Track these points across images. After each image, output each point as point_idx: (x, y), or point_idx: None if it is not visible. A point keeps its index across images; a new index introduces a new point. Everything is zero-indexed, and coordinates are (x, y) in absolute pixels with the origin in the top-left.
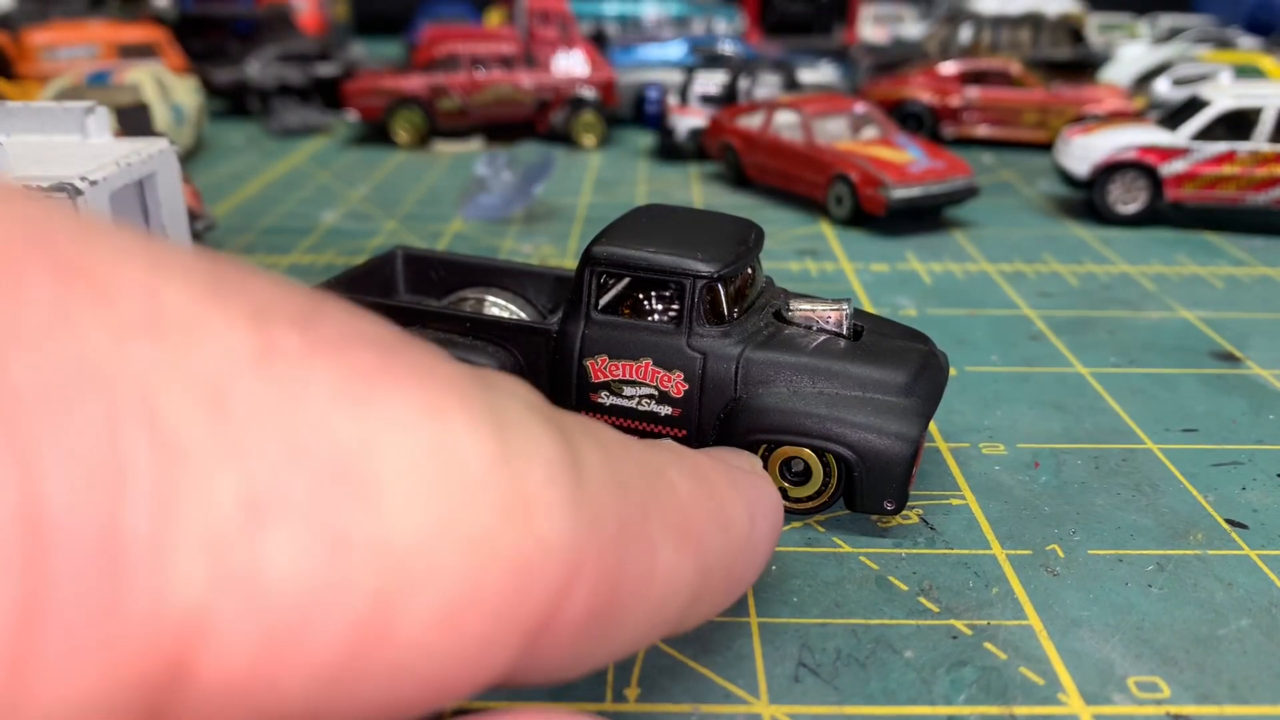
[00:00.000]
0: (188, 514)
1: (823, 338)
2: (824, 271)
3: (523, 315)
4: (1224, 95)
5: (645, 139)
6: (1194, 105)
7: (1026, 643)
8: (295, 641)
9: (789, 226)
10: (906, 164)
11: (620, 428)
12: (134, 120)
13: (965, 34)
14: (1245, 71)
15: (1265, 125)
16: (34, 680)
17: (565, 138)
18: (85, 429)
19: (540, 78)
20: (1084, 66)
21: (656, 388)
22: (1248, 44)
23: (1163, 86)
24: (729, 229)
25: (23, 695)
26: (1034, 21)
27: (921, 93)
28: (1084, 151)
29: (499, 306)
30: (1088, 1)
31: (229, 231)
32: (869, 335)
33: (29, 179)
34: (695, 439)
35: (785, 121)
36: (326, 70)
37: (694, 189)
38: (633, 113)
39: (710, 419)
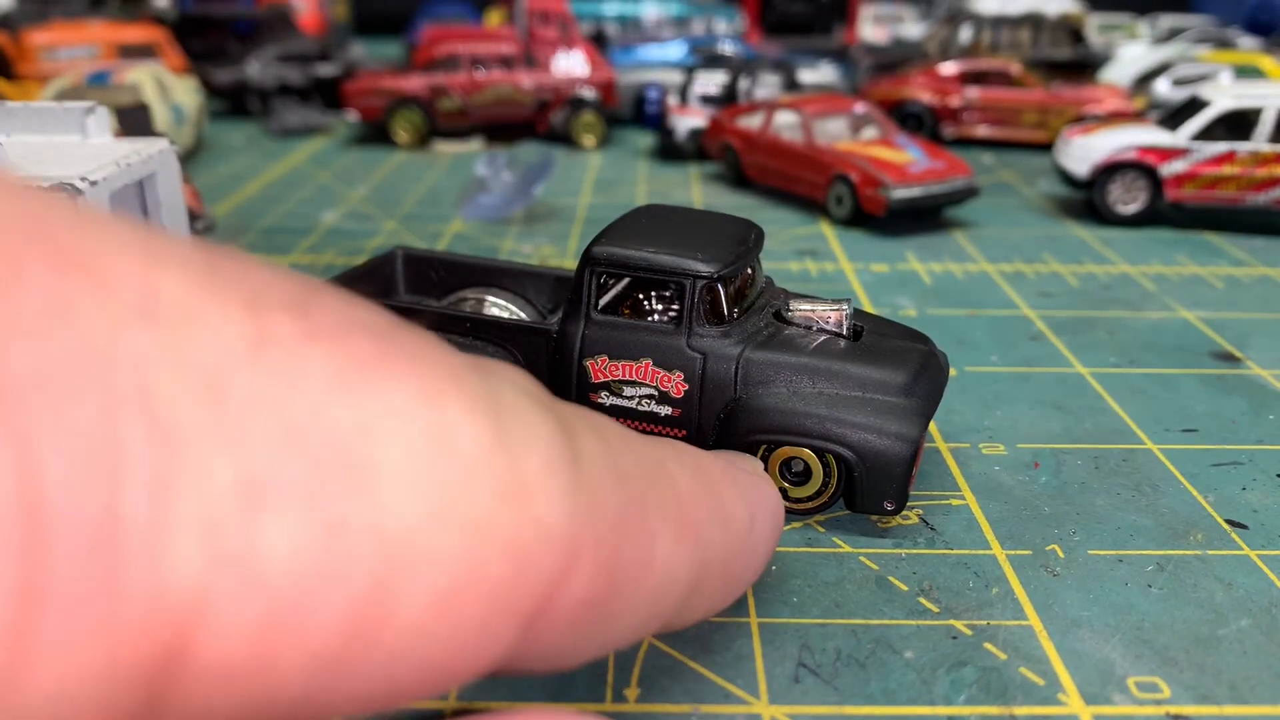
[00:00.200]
0: (185, 498)
1: (822, 338)
2: (824, 272)
3: (523, 315)
4: (1224, 95)
5: (645, 139)
6: (1194, 105)
7: (1026, 643)
8: (293, 625)
9: (789, 226)
10: (906, 164)
11: None
12: (134, 120)
13: (965, 34)
14: (1245, 72)
15: (1265, 125)
16: (34, 662)
17: (565, 138)
18: (83, 414)
19: (540, 78)
20: (1084, 67)
21: (656, 388)
22: (1248, 44)
23: (1163, 87)
24: (729, 229)
25: (23, 677)
26: (1034, 22)
27: (921, 93)
28: (1084, 152)
29: (499, 307)
30: (1088, 2)
31: (229, 232)
32: (869, 335)
33: (30, 179)
34: (695, 439)
35: (785, 122)
36: (326, 70)
37: (694, 189)
38: (633, 113)
39: (710, 419)
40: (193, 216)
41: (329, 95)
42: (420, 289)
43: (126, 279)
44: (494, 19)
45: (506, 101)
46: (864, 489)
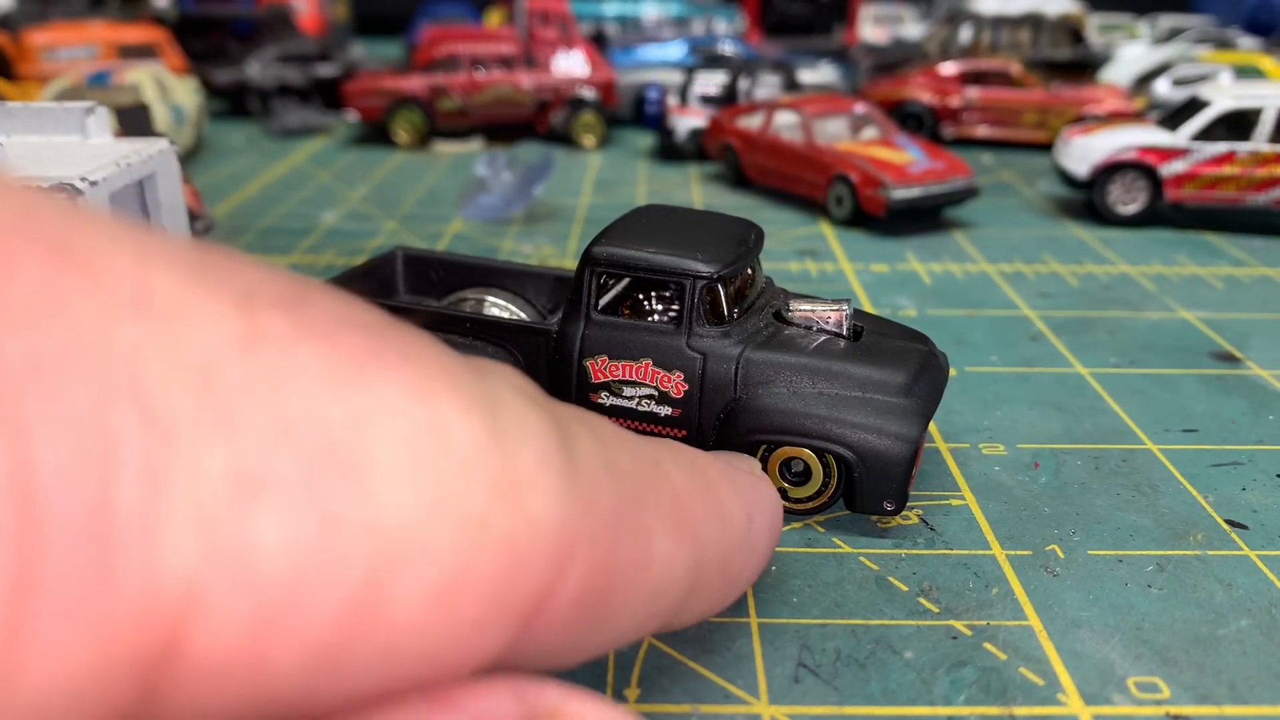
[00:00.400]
0: (178, 490)
1: (822, 338)
2: (824, 272)
3: (523, 316)
4: (1224, 96)
5: (645, 139)
6: (1194, 106)
7: (1026, 643)
8: (286, 620)
9: (789, 227)
10: (906, 164)
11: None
12: (134, 121)
13: (965, 34)
14: (1245, 72)
15: (1265, 126)
16: (28, 656)
17: (565, 138)
18: (76, 405)
19: (540, 78)
20: (1084, 67)
21: (656, 388)
22: (1248, 44)
23: (1163, 87)
24: (729, 229)
25: (16, 671)
26: (1034, 22)
27: (921, 93)
28: (1084, 152)
29: (499, 307)
30: (1088, 2)
31: (229, 232)
32: (869, 336)
33: (29, 179)
34: (695, 439)
35: (785, 122)
36: (326, 71)
37: (694, 189)
38: (633, 113)
39: (710, 419)
40: (193, 217)
41: (329, 96)
42: (420, 289)
43: (118, 274)
44: (494, 19)
45: (506, 102)
46: (864, 489)
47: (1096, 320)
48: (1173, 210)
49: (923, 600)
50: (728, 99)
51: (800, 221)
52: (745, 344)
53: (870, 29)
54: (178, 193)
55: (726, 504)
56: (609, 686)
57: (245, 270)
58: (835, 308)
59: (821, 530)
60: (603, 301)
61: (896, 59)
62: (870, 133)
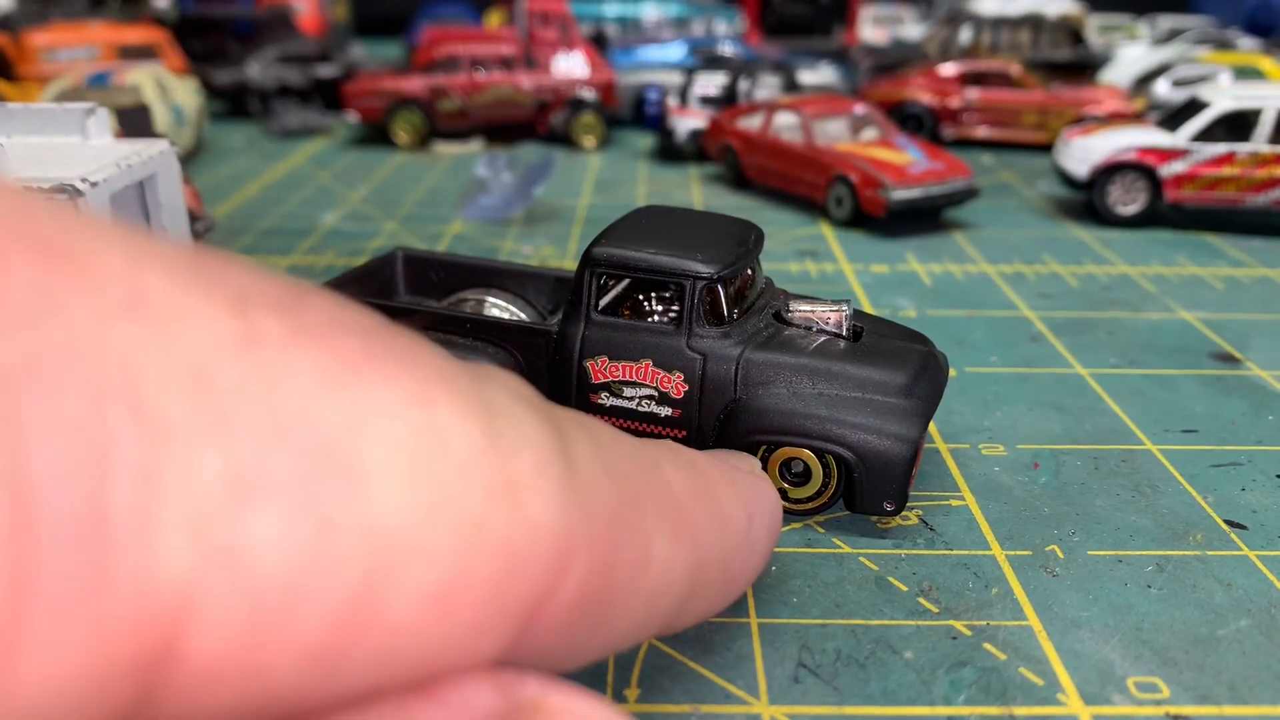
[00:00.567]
0: (173, 491)
1: (822, 339)
2: (824, 273)
3: (523, 316)
4: (1223, 96)
5: (645, 140)
6: (1193, 106)
7: (1026, 643)
8: (283, 622)
9: (789, 227)
10: (906, 165)
11: (620, 429)
12: (134, 121)
13: (965, 35)
14: (1245, 73)
15: (1265, 126)
16: (23, 659)
17: (565, 139)
18: (71, 407)
19: (540, 79)
20: (1084, 68)
21: (656, 389)
22: (1247, 45)
23: (1162, 88)
24: (729, 230)
25: (11, 673)
26: (1034, 23)
27: (921, 94)
28: (1083, 153)
29: (499, 308)
30: (1087, 2)
31: (229, 233)
32: (869, 336)
33: (30, 180)
34: (695, 440)
35: (785, 123)
36: (326, 71)
37: (694, 190)
38: (633, 114)
39: (710, 420)
40: (193, 218)
41: (329, 96)
42: (420, 290)
43: (113, 276)
44: (494, 20)
45: (506, 102)
46: (864, 490)
47: (1096, 321)
48: (1172, 211)
49: (922, 600)
50: (728, 100)
51: (800, 222)
52: (745, 345)
53: (870, 30)
54: (178, 194)
55: (726, 505)
56: (609, 687)
57: (240, 273)
58: (835, 308)
59: (821, 530)
60: (603, 302)
61: (896, 60)
62: (870, 133)
